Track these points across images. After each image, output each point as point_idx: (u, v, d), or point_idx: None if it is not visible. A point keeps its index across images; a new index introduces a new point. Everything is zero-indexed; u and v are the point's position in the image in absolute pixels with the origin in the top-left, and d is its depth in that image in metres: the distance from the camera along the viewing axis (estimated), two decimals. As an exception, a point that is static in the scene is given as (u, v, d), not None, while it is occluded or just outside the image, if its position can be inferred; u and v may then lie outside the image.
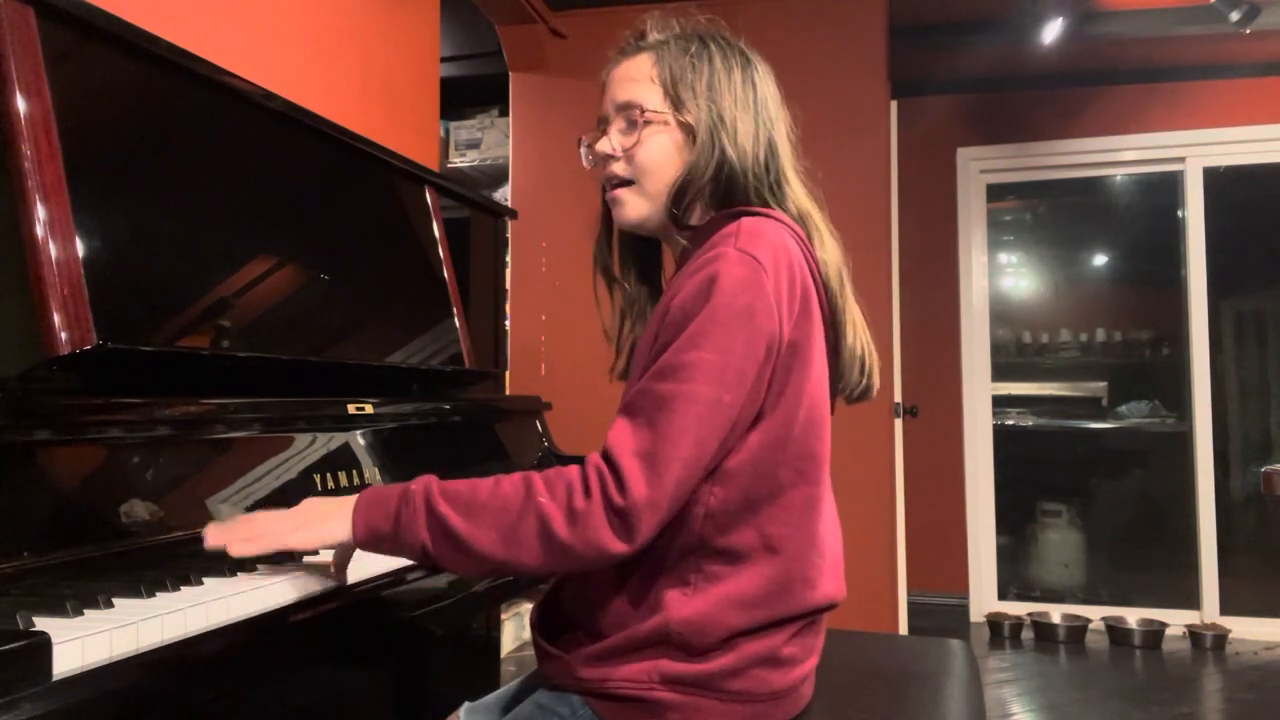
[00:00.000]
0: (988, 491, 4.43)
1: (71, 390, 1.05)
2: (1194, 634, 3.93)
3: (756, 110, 1.10)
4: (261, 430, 1.23)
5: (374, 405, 1.46)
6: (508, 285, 3.33)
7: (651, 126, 1.10)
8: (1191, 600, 4.17)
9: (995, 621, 4.10)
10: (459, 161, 4.08)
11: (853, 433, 2.59)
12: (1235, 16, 3.27)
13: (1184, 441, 4.29)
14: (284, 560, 1.07)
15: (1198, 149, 4.26)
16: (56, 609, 0.81)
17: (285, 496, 1.21)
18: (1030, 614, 4.10)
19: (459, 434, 1.75)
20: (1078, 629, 3.97)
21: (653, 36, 1.14)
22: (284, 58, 2.09)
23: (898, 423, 3.43)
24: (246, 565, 1.04)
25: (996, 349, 4.55)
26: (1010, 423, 4.65)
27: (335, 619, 1.04)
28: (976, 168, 4.53)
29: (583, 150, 1.18)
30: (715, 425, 0.95)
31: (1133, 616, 4.01)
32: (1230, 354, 4.45)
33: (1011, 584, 4.52)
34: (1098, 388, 4.77)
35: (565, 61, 3.54)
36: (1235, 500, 4.34)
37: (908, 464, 3.63)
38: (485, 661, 2.26)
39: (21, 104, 1.03)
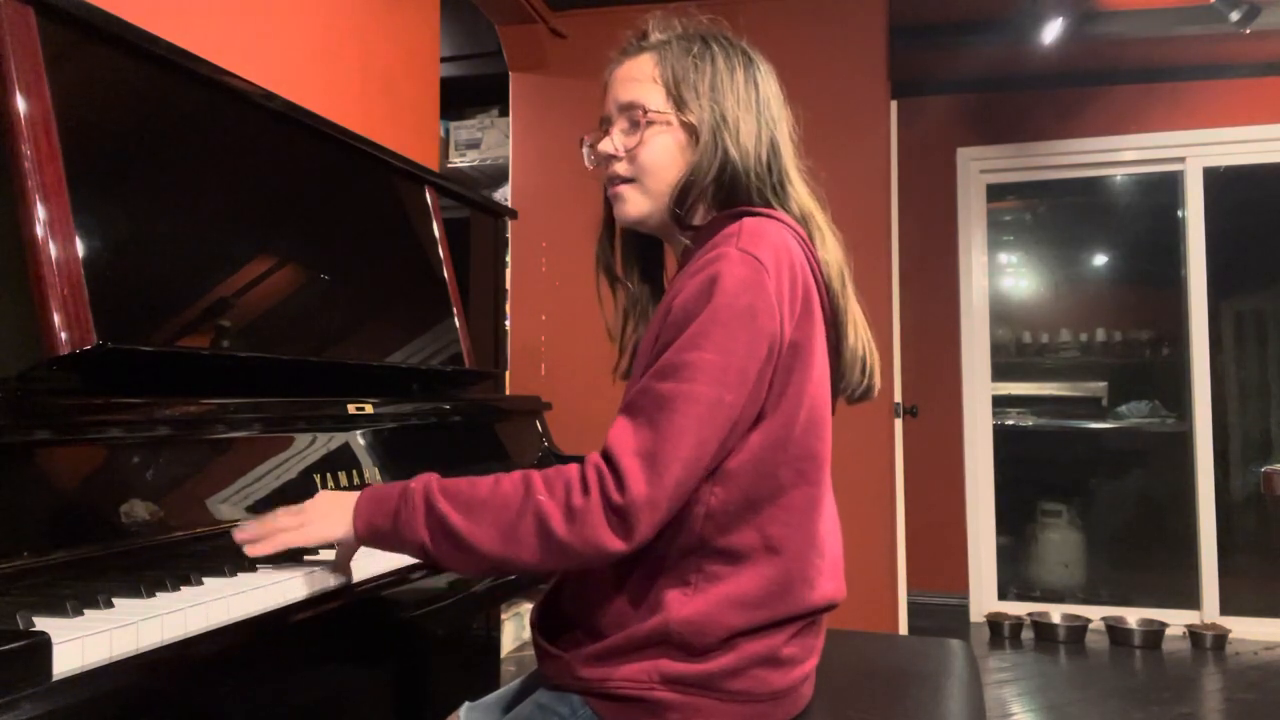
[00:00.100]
0: (988, 491, 4.43)
1: (71, 390, 1.05)
2: (1194, 634, 3.93)
3: (759, 110, 1.10)
4: (261, 430, 1.23)
5: (374, 405, 1.46)
6: (508, 285, 3.33)
7: (654, 127, 1.10)
8: (1191, 600, 4.17)
9: (995, 621, 4.10)
10: (459, 161, 4.08)
11: (853, 433, 2.59)
12: (1235, 16, 3.27)
13: (1184, 441, 4.29)
14: (284, 559, 1.07)
15: (1198, 149, 4.26)
16: (56, 609, 0.81)
17: (285, 496, 1.21)
18: (1030, 614, 4.10)
19: (459, 434, 1.75)
20: (1078, 629, 3.97)
21: (655, 36, 1.14)
22: (284, 57, 2.09)
23: (898, 423, 3.43)
24: (246, 565, 1.04)
25: (996, 349, 4.55)
26: (1010, 423, 4.65)
27: (335, 619, 1.04)
28: (976, 168, 4.53)
29: (585, 150, 1.18)
30: (716, 425, 0.95)
31: (1133, 616, 4.02)
32: (1230, 354, 4.45)
33: (1011, 584, 4.52)
34: (1098, 388, 4.77)
35: (565, 61, 3.54)
36: (1235, 500, 4.34)
37: (908, 464, 3.63)
38: (485, 661, 2.26)
39: (21, 104, 1.03)
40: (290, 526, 1.02)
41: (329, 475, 1.31)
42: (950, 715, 1.16)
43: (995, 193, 4.67)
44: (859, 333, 1.12)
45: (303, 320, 1.44)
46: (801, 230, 1.09)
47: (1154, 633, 3.89)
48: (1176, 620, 4.05)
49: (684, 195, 1.09)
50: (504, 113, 3.82)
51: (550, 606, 1.12)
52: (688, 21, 1.15)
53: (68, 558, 0.93)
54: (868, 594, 3.13)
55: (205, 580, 0.97)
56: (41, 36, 1.07)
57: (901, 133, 3.63)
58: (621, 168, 1.12)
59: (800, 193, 1.12)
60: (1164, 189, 4.47)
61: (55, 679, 0.72)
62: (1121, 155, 4.36)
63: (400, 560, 1.16)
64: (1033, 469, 4.64)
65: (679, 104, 1.09)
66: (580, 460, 0.96)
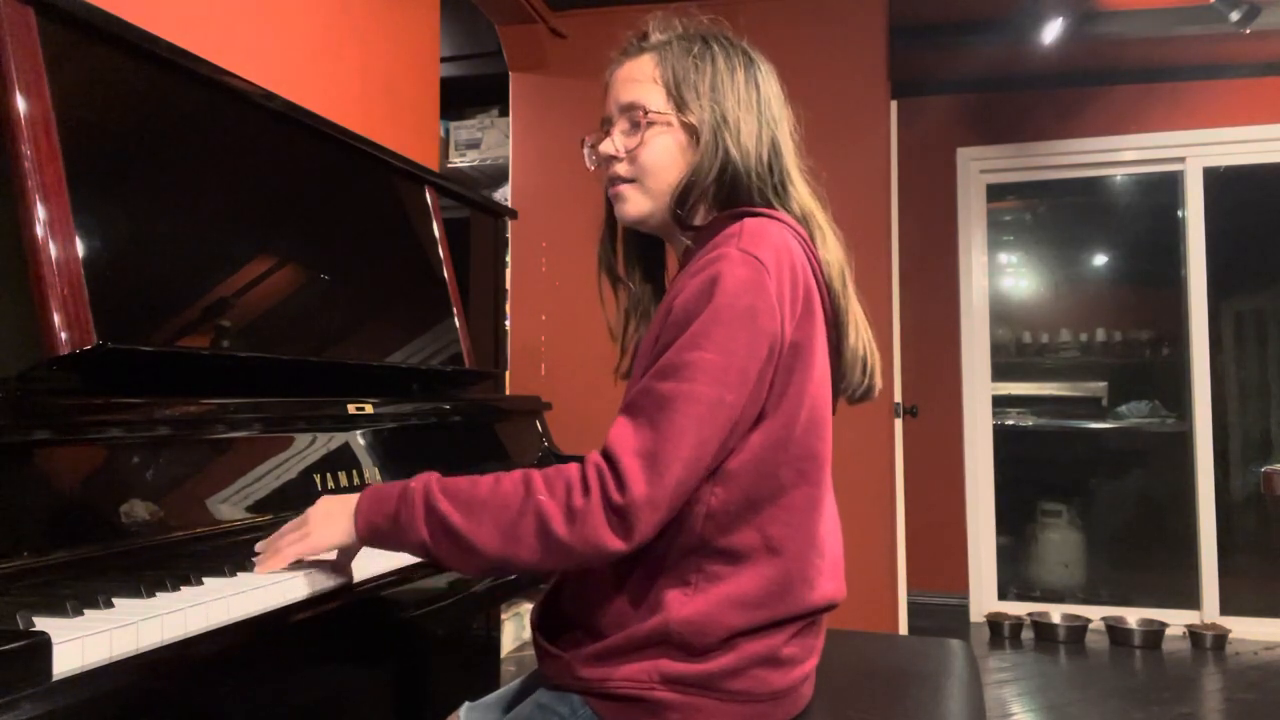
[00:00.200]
0: (988, 491, 4.43)
1: (71, 390, 1.05)
2: (1194, 634, 3.93)
3: (760, 110, 1.10)
4: (261, 430, 1.23)
5: (374, 405, 1.46)
6: (508, 285, 3.33)
7: (655, 128, 1.10)
8: (1191, 600, 4.17)
9: (995, 621, 4.10)
10: (459, 161, 4.08)
11: (853, 433, 2.59)
12: (1235, 16, 3.27)
13: (1184, 441, 4.29)
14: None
15: (1198, 149, 4.26)
16: (56, 609, 0.81)
17: (285, 496, 1.21)
18: (1030, 614, 4.10)
19: (459, 434, 1.75)
20: (1078, 629, 3.97)
21: (655, 37, 1.14)
22: (284, 58, 2.09)
23: (898, 423, 3.43)
24: (246, 565, 1.04)
25: (996, 349, 4.55)
26: (1010, 423, 4.65)
27: (335, 619, 1.04)
28: (976, 168, 4.53)
29: (586, 151, 1.18)
30: (716, 425, 0.95)
31: (1133, 616, 4.02)
32: (1230, 354, 4.45)
33: (1011, 584, 4.52)
34: (1098, 388, 4.77)
35: (565, 61, 3.54)
36: (1235, 500, 4.34)
37: (908, 464, 3.63)
38: (485, 661, 2.26)
39: (21, 104, 1.03)
40: (295, 538, 1.03)
41: (329, 475, 1.31)
42: (950, 715, 1.16)
43: (995, 193, 4.67)
44: (860, 333, 1.12)
45: (303, 320, 1.44)
46: (802, 230, 1.09)
47: (1154, 633, 3.89)
48: (1176, 620, 4.05)
49: (685, 195, 1.09)
50: (504, 113, 3.82)
51: (550, 606, 1.12)
52: (688, 22, 1.15)
53: (68, 558, 0.93)
54: (868, 594, 3.13)
55: (205, 580, 0.97)
56: (41, 36, 1.07)
57: (901, 133, 3.63)
58: (622, 168, 1.12)
59: (801, 193, 1.12)
60: (1164, 189, 4.47)
61: (55, 679, 0.72)
62: (1121, 155, 4.36)
63: (400, 560, 1.16)
64: (1033, 469, 4.64)
65: (680, 104, 1.09)
66: (580, 460, 0.96)
